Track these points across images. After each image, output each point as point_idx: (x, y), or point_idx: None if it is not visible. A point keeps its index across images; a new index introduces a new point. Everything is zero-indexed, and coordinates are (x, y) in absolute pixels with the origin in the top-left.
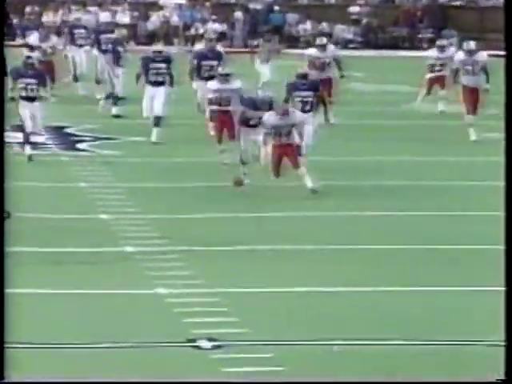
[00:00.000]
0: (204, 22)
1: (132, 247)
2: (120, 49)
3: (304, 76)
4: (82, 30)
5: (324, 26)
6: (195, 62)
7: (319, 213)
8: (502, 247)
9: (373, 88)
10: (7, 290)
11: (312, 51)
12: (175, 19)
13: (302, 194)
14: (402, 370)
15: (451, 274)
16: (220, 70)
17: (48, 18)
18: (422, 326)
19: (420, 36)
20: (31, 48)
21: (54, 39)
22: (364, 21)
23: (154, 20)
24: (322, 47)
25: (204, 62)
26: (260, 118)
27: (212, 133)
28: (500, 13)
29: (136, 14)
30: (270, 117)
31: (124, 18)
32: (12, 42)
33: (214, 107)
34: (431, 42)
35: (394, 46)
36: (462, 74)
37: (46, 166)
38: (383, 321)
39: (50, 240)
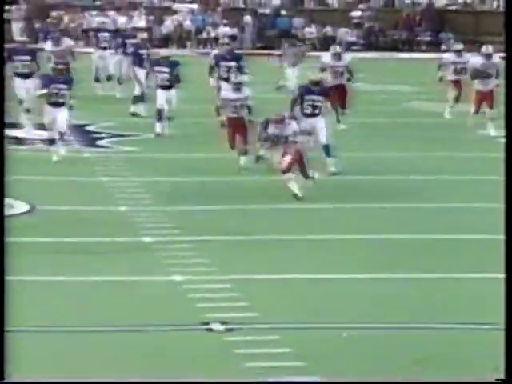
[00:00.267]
0: (215, 26)
1: (149, 237)
2: (143, 51)
3: (317, 83)
4: (106, 34)
5: (328, 29)
6: (213, 62)
7: (327, 205)
8: (502, 237)
9: (374, 88)
10: (43, 278)
11: (327, 59)
12: (188, 23)
13: (311, 188)
14: (406, 351)
15: (453, 262)
16: (233, 78)
17: (64, 22)
18: (430, 312)
19: (418, 39)
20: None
21: (66, 42)
22: (366, 24)
23: (168, 24)
24: (337, 56)
25: (222, 63)
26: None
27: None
28: (494, 16)
29: (151, 18)
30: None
31: (140, 22)
32: (35, 46)
33: (228, 115)
34: (429, 45)
35: (394, 49)
36: (477, 77)
37: (70, 162)
38: (388, 307)
39: (74, 230)
